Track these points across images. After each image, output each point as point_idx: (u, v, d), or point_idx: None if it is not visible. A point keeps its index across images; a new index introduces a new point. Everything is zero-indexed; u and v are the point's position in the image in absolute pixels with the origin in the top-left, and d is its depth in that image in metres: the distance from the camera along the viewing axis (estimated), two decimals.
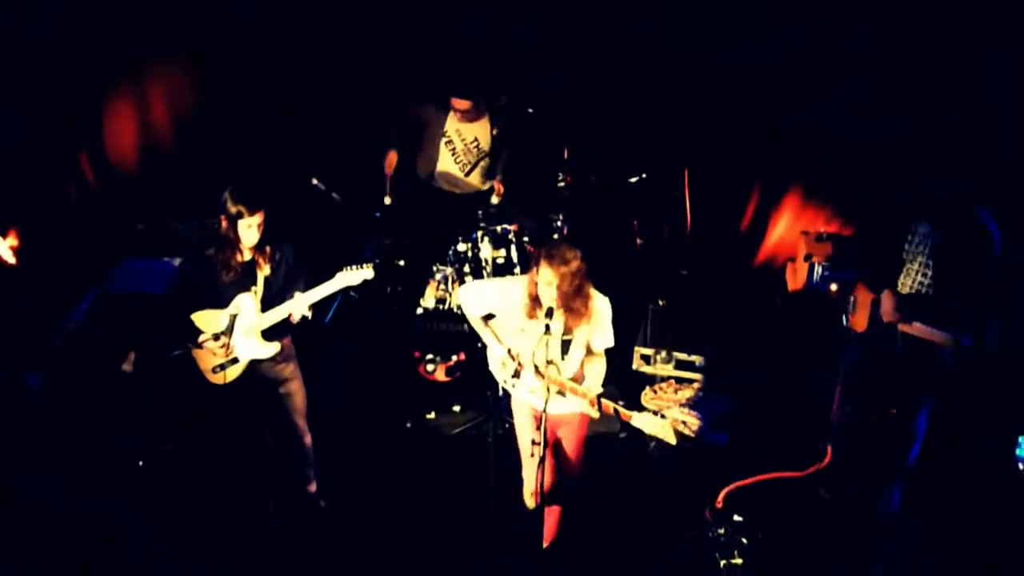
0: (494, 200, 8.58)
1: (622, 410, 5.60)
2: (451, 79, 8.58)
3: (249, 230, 6.03)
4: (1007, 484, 6.63)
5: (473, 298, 5.91)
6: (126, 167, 8.80)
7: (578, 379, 5.75)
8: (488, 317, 5.93)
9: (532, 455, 5.76)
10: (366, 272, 6.32)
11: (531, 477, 5.91)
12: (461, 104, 8.39)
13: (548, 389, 5.50)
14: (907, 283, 6.25)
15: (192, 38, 8.85)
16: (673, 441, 5.55)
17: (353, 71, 9.45)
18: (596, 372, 5.83)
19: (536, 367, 5.69)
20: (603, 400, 5.60)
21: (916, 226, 6.26)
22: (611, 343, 5.79)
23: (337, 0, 9.24)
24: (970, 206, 6.04)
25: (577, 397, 5.64)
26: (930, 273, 6.16)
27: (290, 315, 6.21)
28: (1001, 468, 6.69)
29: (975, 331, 6.05)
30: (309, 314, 6.28)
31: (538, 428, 5.53)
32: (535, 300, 5.60)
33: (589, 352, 5.81)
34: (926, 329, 6.16)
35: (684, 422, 7.68)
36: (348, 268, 6.29)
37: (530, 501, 6.07)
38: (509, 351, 5.81)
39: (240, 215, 5.97)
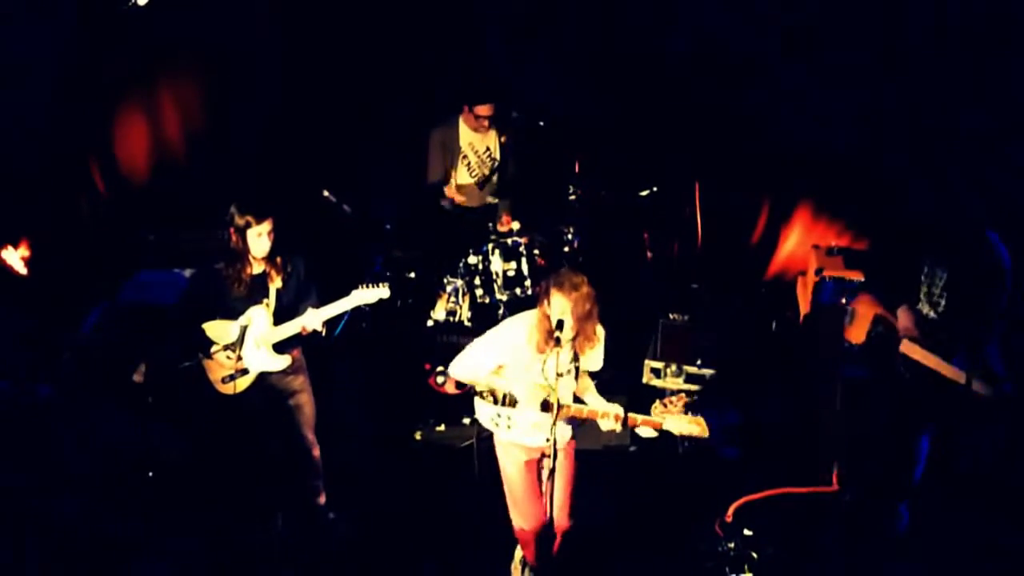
0: (501, 228, 8.54)
1: (650, 418, 5.61)
2: (470, 87, 8.56)
3: (259, 239, 6.03)
4: (1016, 501, 6.62)
5: (474, 363, 5.72)
6: (137, 178, 8.84)
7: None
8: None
9: (542, 491, 5.70)
10: (382, 291, 6.32)
11: (531, 518, 5.85)
12: (483, 110, 8.33)
13: (556, 419, 5.38)
14: (923, 311, 6.25)
15: (203, 49, 8.87)
16: (706, 433, 5.57)
17: (366, 82, 9.47)
18: (591, 388, 5.81)
19: (547, 402, 5.59)
20: (629, 414, 5.57)
21: (930, 258, 6.24)
22: (600, 366, 5.78)
23: (349, 11, 9.24)
24: (983, 237, 6.01)
25: (601, 419, 5.58)
26: (943, 303, 6.15)
27: (303, 329, 6.21)
28: (1011, 486, 6.67)
29: (980, 363, 6.02)
30: (323, 329, 6.28)
31: (548, 455, 5.46)
32: (549, 333, 5.52)
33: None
34: (933, 358, 6.13)
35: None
36: (364, 286, 6.29)
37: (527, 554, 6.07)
38: (547, 401, 5.62)
39: (249, 225, 5.98)
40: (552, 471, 5.42)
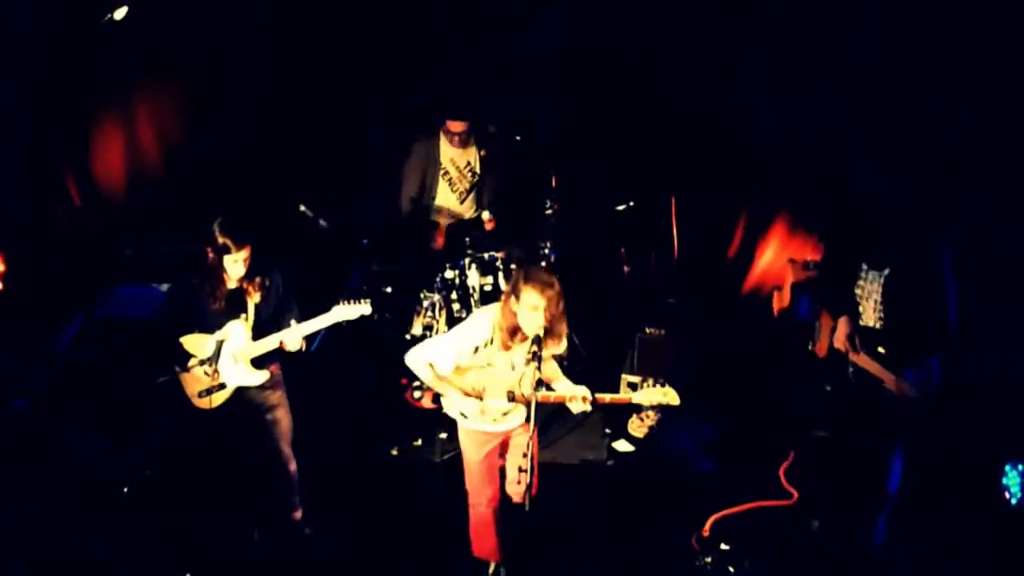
0: (487, 228, 8.55)
1: (618, 396, 5.72)
2: (444, 101, 8.56)
3: (235, 264, 6.01)
4: (993, 513, 6.64)
5: (429, 359, 5.79)
6: (114, 192, 8.80)
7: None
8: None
9: (519, 483, 5.73)
10: (363, 308, 6.29)
11: (485, 498, 5.97)
12: (456, 126, 8.34)
13: (532, 411, 5.44)
14: (868, 317, 6.30)
15: (180, 62, 8.85)
16: (677, 401, 5.64)
17: (342, 97, 9.47)
18: (556, 372, 5.89)
19: (512, 393, 5.69)
20: (597, 394, 5.65)
21: (870, 260, 6.29)
22: (563, 349, 5.83)
23: (325, 24, 9.24)
24: (926, 246, 6.07)
25: (570, 403, 5.67)
26: (881, 312, 6.20)
27: (282, 344, 6.19)
28: (987, 497, 6.70)
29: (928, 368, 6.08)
30: (303, 345, 6.25)
31: (525, 455, 5.49)
32: (513, 331, 5.58)
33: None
34: (873, 364, 6.19)
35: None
36: (344, 302, 6.26)
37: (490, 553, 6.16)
38: (512, 393, 5.73)
39: (227, 249, 5.95)
40: (531, 461, 5.46)
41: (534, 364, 5.42)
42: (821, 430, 7.12)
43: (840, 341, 6.32)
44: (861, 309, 6.32)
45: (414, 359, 5.82)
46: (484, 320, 5.72)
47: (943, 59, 7.34)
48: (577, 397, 5.64)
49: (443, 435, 7.73)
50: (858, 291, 6.33)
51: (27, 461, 6.97)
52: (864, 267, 6.29)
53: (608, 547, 6.65)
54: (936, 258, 6.01)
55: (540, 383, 5.67)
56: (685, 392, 7.89)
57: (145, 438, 7.21)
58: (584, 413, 5.80)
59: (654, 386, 5.73)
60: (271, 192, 8.78)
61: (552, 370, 5.87)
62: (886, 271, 6.17)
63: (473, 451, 5.96)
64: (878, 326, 6.24)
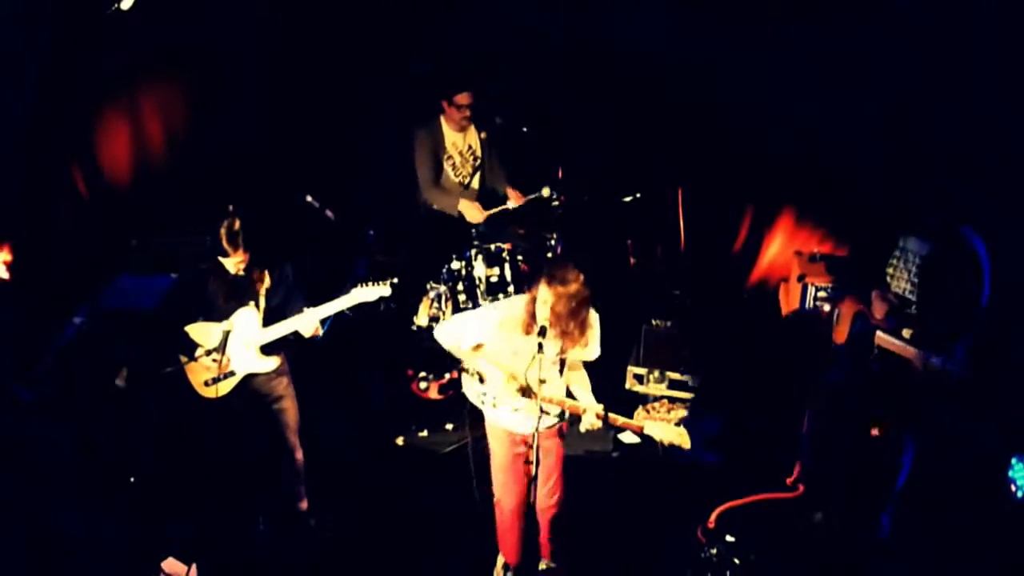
0: (511, 205, 8.51)
1: (631, 421, 5.64)
2: (447, 77, 8.50)
3: (232, 266, 6.05)
4: (997, 506, 6.63)
5: (457, 333, 5.79)
6: (120, 182, 8.80)
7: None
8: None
9: (526, 474, 5.74)
10: (383, 289, 6.28)
11: (510, 494, 5.92)
12: (463, 98, 8.26)
13: (540, 409, 5.47)
14: (894, 287, 6.29)
15: (186, 53, 8.84)
16: (688, 445, 5.61)
17: (349, 86, 9.46)
18: (583, 383, 5.83)
19: (527, 388, 5.65)
20: (610, 414, 5.60)
21: (904, 242, 6.28)
22: (595, 356, 5.77)
23: (329, 14, 9.22)
24: (957, 225, 6.06)
25: (583, 415, 5.61)
26: (916, 282, 6.18)
27: (296, 331, 6.19)
28: (991, 490, 6.69)
29: (955, 351, 6.04)
30: (321, 331, 6.24)
31: (529, 447, 5.51)
32: (532, 317, 5.58)
33: (572, 365, 5.80)
34: (900, 344, 6.16)
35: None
36: (363, 284, 6.25)
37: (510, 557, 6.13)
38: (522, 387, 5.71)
39: (224, 251, 5.97)
40: (536, 460, 5.47)
41: (540, 355, 5.42)
42: (829, 424, 7.09)
43: (880, 313, 6.27)
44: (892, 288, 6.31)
45: (444, 334, 5.84)
46: (514, 304, 5.73)
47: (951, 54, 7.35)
48: (589, 411, 5.59)
49: (449, 426, 7.73)
50: (889, 270, 6.31)
51: (33, 451, 6.99)
52: (900, 243, 6.27)
53: (613, 538, 6.65)
54: (971, 240, 6.00)
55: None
56: (691, 384, 8.08)
57: (150, 427, 7.22)
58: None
59: (668, 411, 5.72)
60: (277, 183, 8.77)
61: (578, 377, 5.85)
62: (922, 250, 6.15)
63: (498, 447, 5.91)
64: (906, 292, 6.22)
